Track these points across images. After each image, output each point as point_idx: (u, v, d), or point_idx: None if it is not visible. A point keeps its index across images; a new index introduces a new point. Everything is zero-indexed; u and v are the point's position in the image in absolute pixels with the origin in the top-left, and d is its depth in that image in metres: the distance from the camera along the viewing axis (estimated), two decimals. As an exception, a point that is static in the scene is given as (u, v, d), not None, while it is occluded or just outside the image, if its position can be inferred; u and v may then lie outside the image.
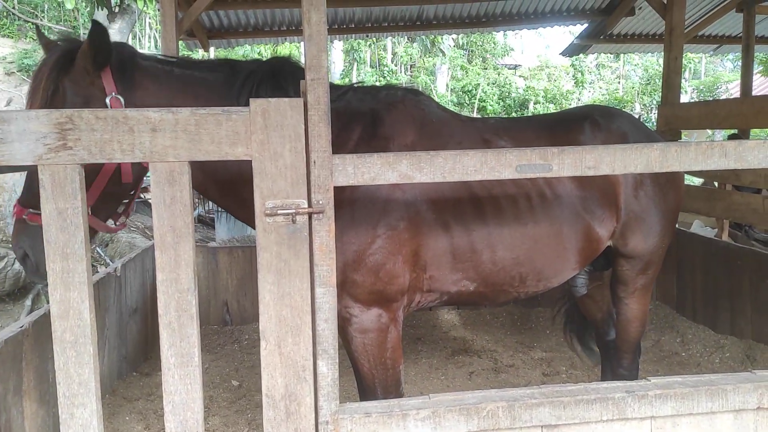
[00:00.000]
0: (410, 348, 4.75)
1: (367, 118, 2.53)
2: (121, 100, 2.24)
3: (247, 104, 1.60)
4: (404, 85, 3.87)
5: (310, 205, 1.65)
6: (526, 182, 2.59)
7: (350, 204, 2.36)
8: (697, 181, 9.84)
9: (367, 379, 2.51)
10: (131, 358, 4.28)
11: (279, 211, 1.62)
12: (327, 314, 1.71)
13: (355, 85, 2.67)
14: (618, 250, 2.92)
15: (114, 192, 2.30)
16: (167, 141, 1.55)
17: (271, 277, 1.65)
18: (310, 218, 1.66)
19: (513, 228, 2.54)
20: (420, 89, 3.01)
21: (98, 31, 2.14)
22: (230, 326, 5.27)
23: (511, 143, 2.66)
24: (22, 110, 1.51)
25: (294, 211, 1.63)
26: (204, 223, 8.88)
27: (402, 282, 2.43)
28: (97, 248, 7.39)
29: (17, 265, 6.90)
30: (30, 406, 2.84)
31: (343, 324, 2.48)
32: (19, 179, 10.61)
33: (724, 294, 4.73)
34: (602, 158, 1.82)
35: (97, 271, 4.72)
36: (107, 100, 2.23)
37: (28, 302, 6.94)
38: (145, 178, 2.57)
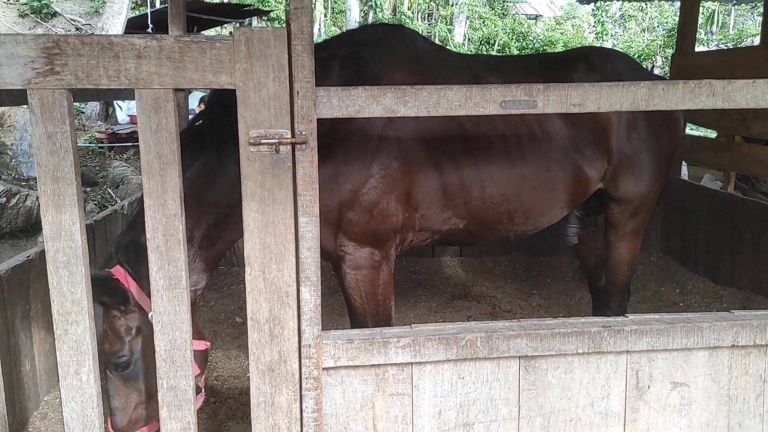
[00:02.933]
0: (411, 292, 4.84)
1: (349, 62, 2.51)
2: None
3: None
4: (385, 22, 3.82)
5: (293, 136, 1.68)
6: (516, 119, 2.59)
7: (344, 144, 2.38)
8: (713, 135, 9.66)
9: (359, 314, 2.59)
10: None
11: (262, 141, 1.65)
12: (310, 243, 1.76)
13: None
14: (609, 193, 2.93)
15: None
16: (152, 68, 1.58)
17: (255, 205, 1.70)
18: (293, 149, 1.69)
19: (501, 164, 2.56)
20: (403, 25, 2.95)
21: (103, 286, 2.09)
22: (236, 267, 5.40)
23: (501, 80, 2.64)
24: (10, 33, 1.54)
25: (277, 141, 1.66)
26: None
27: (395, 221, 2.48)
28: (108, 189, 7.53)
29: (29, 202, 7.04)
30: (38, 332, 2.98)
31: (338, 261, 2.54)
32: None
33: (726, 246, 4.73)
34: (588, 95, 1.82)
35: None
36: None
37: (41, 239, 7.13)
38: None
